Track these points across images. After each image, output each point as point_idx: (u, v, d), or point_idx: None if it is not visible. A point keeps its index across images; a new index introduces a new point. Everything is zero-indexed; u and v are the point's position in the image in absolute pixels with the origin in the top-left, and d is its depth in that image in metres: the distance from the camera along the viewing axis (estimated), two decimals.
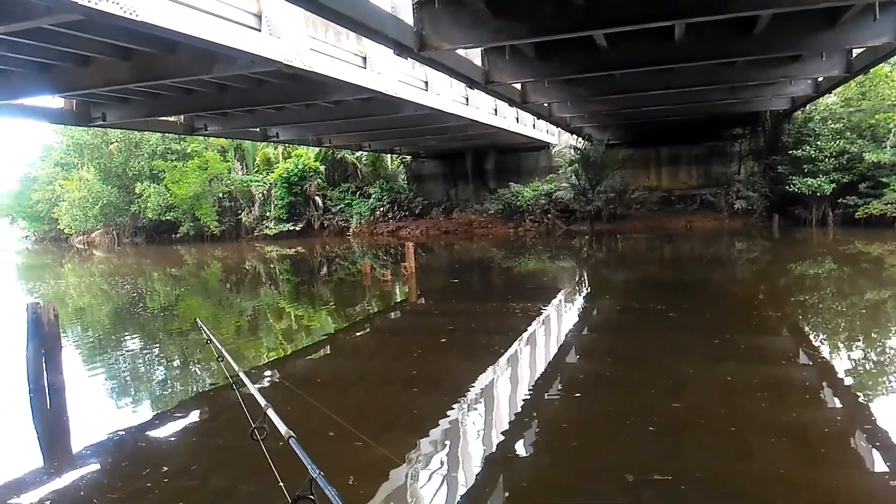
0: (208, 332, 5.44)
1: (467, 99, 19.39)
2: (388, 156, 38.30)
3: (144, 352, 10.91)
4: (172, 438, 6.42)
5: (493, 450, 5.59)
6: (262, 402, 3.39)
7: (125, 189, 38.64)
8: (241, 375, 3.94)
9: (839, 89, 23.39)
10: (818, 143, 25.46)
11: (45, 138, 50.38)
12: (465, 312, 12.63)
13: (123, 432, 6.52)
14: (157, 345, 11.37)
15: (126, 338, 12.28)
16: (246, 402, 3.75)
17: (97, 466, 5.76)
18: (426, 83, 16.38)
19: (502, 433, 5.97)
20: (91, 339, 12.17)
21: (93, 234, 40.80)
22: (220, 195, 37.44)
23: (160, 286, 20.70)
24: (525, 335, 9.99)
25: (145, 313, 14.92)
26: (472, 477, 5.07)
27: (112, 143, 38.25)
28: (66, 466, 5.82)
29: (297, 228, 36.23)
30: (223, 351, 4.64)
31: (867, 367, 7.73)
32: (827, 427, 5.76)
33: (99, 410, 7.55)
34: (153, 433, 6.60)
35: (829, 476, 4.85)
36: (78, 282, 22.56)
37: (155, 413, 7.31)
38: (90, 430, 6.67)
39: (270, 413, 3.26)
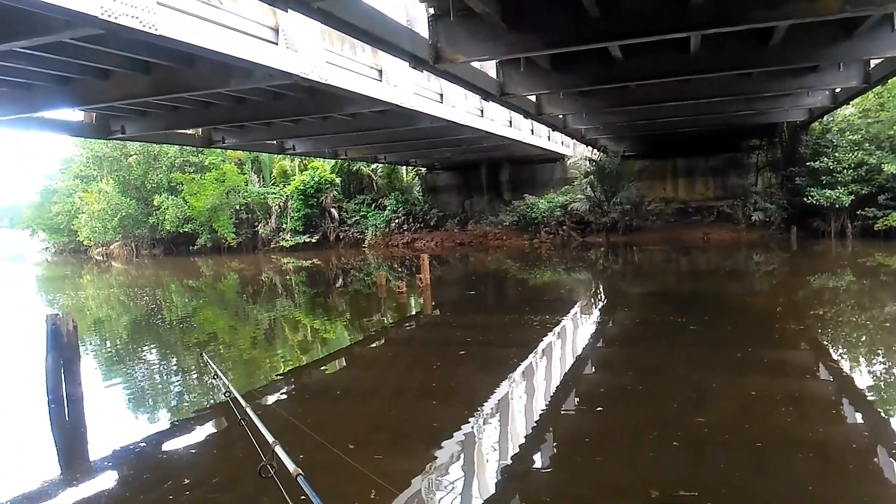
0: (215, 368, 5.47)
1: (482, 111, 19.42)
2: (404, 168, 38.43)
3: (162, 363, 10.97)
4: (192, 450, 6.43)
5: (515, 463, 5.56)
6: (270, 438, 3.37)
7: (144, 201, 39.00)
8: (249, 412, 3.94)
9: (857, 100, 23.17)
10: (836, 154, 25.25)
11: (64, 151, 51.16)
12: (482, 325, 12.59)
13: (142, 443, 6.55)
14: (175, 357, 11.44)
15: (144, 349, 12.37)
16: (256, 438, 3.73)
17: (115, 477, 5.79)
18: (441, 95, 16.44)
19: (523, 446, 5.93)
20: (109, 351, 12.26)
21: (111, 246, 41.16)
22: (238, 207, 37.69)
23: (178, 298, 20.84)
24: (543, 348, 9.94)
25: (163, 325, 15.02)
26: (494, 491, 5.03)
27: (131, 155, 38.66)
28: (84, 477, 5.85)
29: (313, 240, 36.38)
30: (231, 387, 4.63)
31: (890, 381, 7.62)
32: (854, 442, 5.68)
33: (117, 421, 7.59)
34: (171, 444, 6.62)
35: (858, 492, 4.77)
36: (97, 293, 22.76)
37: (172, 424, 7.34)
38: (108, 441, 6.70)
39: (278, 450, 3.23)
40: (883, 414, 6.37)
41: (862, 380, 7.65)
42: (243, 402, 4.06)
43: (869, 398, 6.86)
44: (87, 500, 5.32)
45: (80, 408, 7.76)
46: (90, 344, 12.33)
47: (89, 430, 7.19)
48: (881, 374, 7.96)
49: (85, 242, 42.37)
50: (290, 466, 2.98)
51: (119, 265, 35.45)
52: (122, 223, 38.94)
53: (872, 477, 5.04)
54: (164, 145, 34.10)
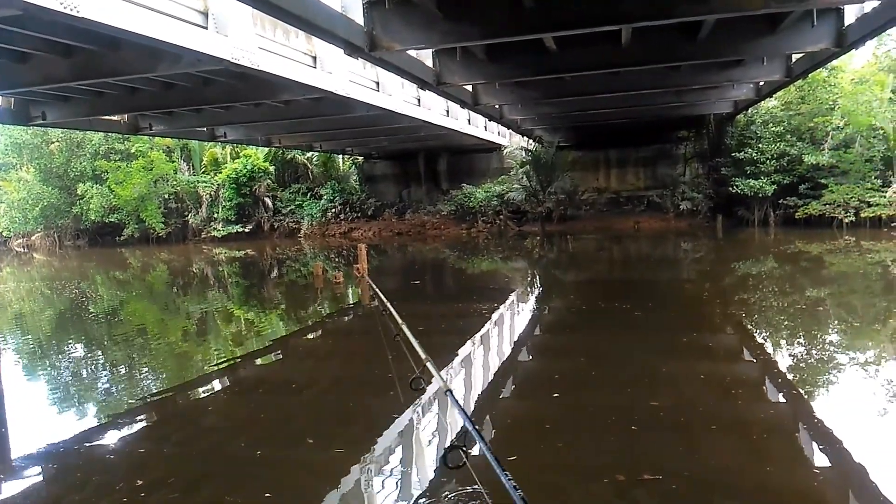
0: (376, 289, 5.63)
1: (419, 100, 19.40)
2: (340, 156, 38.01)
3: (87, 358, 10.58)
4: (140, 447, 6.24)
5: (477, 451, 5.54)
6: (423, 354, 3.61)
7: (67, 190, 37.42)
8: (403, 328, 4.36)
9: (780, 93, 24.12)
10: (760, 145, 26.19)
11: None
12: (421, 314, 12.57)
13: (68, 443, 6.30)
14: (101, 351, 11.03)
15: (68, 344, 11.91)
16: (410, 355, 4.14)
17: (40, 476, 5.57)
18: (378, 84, 16.33)
19: (484, 434, 5.90)
20: (31, 346, 11.75)
21: (33, 237, 39.40)
22: (166, 196, 36.57)
23: (104, 290, 20.13)
24: (489, 336, 9.99)
25: (89, 318, 14.48)
26: (461, 478, 4.96)
27: (53, 142, 37.00)
28: (5, 476, 5.60)
29: (247, 230, 35.62)
30: (388, 304, 4.87)
31: (822, 363, 8.00)
32: (804, 423, 5.85)
33: (41, 420, 7.28)
34: (99, 443, 6.40)
35: (816, 473, 4.93)
36: (17, 286, 21.79)
37: (100, 422, 7.10)
38: (31, 440, 6.44)
39: (429, 365, 3.43)
40: (828, 392, 6.77)
41: (811, 361, 8.01)
42: (399, 320, 4.45)
43: (819, 379, 7.22)
44: (10, 501, 5.10)
45: None
46: (11, 339, 11.80)
47: (10, 429, 6.89)
48: (823, 354, 8.35)
49: (3, 233, 40.46)
50: (440, 382, 3.13)
51: (41, 257, 34.01)
52: (44, 213, 37.32)
53: (832, 454, 5.20)
54: (88, 132, 32.80)
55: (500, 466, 2.09)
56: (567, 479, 5.01)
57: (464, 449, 2.43)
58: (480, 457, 2.53)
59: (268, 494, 4.83)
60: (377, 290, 6.00)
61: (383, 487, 4.99)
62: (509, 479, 1.98)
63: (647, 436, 5.65)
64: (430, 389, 7.06)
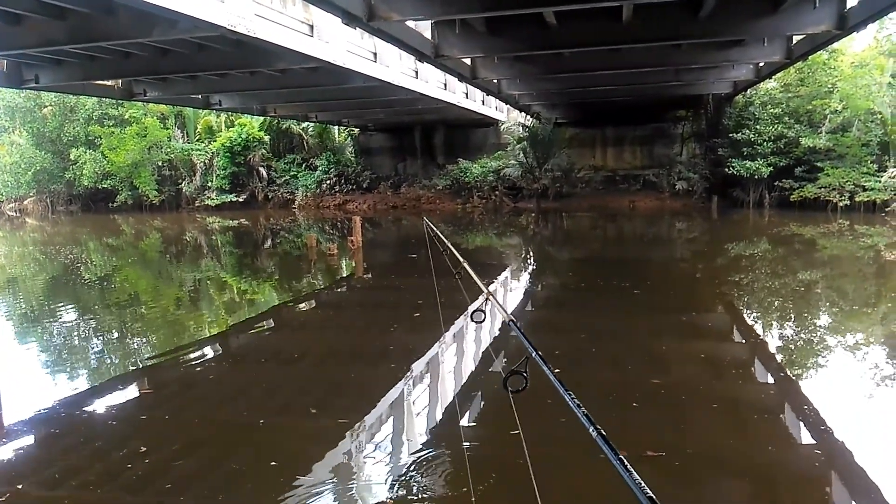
0: (435, 230, 6.00)
1: (417, 72, 19.22)
2: (336, 128, 37.71)
3: (82, 324, 10.56)
4: (115, 412, 6.26)
5: (478, 426, 5.57)
6: (485, 289, 3.69)
7: (59, 155, 37.06)
8: (465, 265, 4.55)
9: (779, 75, 23.98)
10: (757, 127, 26.10)
11: None
12: (418, 287, 12.59)
13: (61, 408, 6.32)
14: (95, 318, 11.02)
15: (62, 310, 11.89)
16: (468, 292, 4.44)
17: (32, 440, 5.60)
18: (375, 54, 16.17)
19: (483, 409, 5.94)
20: (24, 310, 11.74)
21: (25, 202, 39.14)
22: (160, 163, 36.24)
23: (97, 256, 20.07)
24: (486, 311, 9.94)
25: (81, 284, 14.46)
26: (464, 451, 4.90)
27: (46, 106, 36.58)
28: (7, 440, 5.61)
29: (241, 200, 35.39)
30: (448, 244, 5.30)
31: (823, 343, 8.12)
32: (805, 405, 5.86)
33: (35, 384, 7.30)
34: (91, 408, 6.42)
35: (816, 453, 4.96)
36: (9, 251, 21.70)
37: (99, 388, 7.12)
38: (24, 405, 6.46)
39: (492, 300, 3.57)
40: (829, 373, 6.83)
41: (810, 342, 8.10)
42: (460, 258, 4.72)
43: (818, 361, 7.28)
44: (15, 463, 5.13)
45: None
46: (2, 303, 11.78)
47: (8, 394, 6.90)
48: (807, 337, 8.42)
49: None
50: (504, 314, 3.22)
51: (34, 221, 33.84)
52: (37, 178, 37.02)
53: (832, 431, 5.23)
54: (82, 97, 32.40)
55: (562, 386, 2.17)
56: (570, 453, 4.92)
57: (524, 374, 2.52)
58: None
59: (274, 462, 4.86)
60: (435, 229, 6.16)
61: (387, 455, 5.04)
62: (572, 398, 2.05)
63: (648, 413, 5.70)
64: (417, 367, 7.11)
